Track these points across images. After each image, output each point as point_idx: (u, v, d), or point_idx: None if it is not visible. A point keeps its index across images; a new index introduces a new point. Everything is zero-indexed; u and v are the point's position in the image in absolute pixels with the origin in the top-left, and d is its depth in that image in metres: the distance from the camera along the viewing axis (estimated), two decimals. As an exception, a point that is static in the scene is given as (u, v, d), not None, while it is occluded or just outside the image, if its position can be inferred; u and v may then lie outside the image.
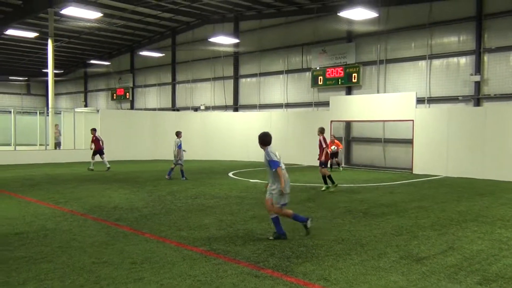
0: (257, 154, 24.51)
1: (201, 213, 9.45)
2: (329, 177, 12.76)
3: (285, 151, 23.39)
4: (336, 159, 20.08)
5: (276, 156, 7.17)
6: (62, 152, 24.12)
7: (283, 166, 7.21)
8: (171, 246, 6.73)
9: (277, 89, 26.76)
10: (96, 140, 19.14)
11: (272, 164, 7.10)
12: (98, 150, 19.11)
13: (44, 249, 6.52)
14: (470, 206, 10.71)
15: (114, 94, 38.96)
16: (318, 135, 13.04)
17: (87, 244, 6.81)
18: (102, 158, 19.09)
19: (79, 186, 13.55)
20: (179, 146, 15.74)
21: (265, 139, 7.35)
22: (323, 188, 12.64)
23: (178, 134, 16.00)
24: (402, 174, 18.59)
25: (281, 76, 26.46)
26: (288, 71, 26.05)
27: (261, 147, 7.36)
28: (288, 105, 26.05)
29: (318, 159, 13.12)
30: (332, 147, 18.32)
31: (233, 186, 14.07)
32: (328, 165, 17.13)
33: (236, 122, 25.61)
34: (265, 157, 7.22)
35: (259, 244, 6.88)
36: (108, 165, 18.91)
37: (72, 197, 11.38)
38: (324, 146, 12.74)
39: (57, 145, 25.82)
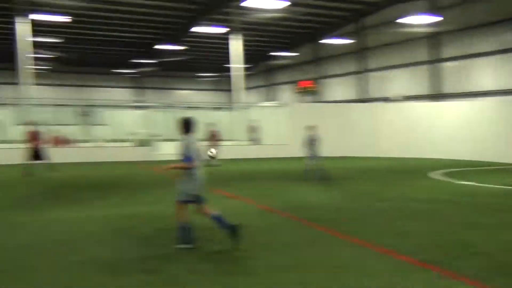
0: (464, 152, 22.79)
1: (404, 218, 9.20)
2: None
3: (504, 149, 21.21)
4: None
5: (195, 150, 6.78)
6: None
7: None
8: (374, 252, 6.69)
9: (488, 73, 24.57)
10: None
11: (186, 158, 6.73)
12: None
13: (247, 247, 7.04)
14: None
15: (298, 87, 40.53)
16: None
17: (281, 244, 7.20)
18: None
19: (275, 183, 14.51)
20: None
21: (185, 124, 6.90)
22: None
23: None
24: None
25: (494, 57, 24.23)
26: (504, 51, 23.68)
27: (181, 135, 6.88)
28: (505, 93, 23.71)
29: None
30: None
31: (439, 188, 13.45)
32: None
33: (437, 114, 24.24)
34: (183, 147, 6.77)
35: (482, 258, 6.36)
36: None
37: (264, 194, 12.29)
38: None
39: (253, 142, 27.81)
